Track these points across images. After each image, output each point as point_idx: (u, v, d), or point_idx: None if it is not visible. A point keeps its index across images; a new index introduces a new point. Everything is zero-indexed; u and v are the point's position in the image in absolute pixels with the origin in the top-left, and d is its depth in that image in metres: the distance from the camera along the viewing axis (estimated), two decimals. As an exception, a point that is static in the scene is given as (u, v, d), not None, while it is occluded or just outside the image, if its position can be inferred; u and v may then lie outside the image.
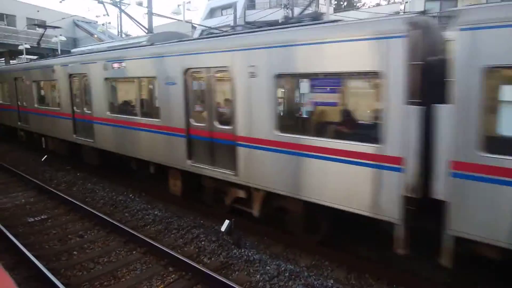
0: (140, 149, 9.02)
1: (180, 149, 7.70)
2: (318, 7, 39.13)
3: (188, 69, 7.31)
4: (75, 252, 6.50)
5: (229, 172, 6.83)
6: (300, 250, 6.39)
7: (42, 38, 17.77)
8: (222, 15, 40.34)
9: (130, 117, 9.18)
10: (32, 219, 8.05)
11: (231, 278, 5.51)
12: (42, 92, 13.94)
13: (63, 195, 9.20)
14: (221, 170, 7.02)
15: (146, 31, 12.91)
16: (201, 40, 8.04)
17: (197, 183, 7.98)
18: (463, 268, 5.07)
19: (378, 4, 46.24)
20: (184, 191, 8.45)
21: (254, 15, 36.76)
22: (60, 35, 33.34)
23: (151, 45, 8.69)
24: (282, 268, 5.77)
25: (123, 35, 32.78)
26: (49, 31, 39.28)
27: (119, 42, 11.13)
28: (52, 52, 36.48)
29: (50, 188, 9.83)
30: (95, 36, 38.72)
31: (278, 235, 6.83)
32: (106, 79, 9.72)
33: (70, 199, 8.93)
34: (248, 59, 6.22)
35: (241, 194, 7.01)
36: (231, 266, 5.92)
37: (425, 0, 24.38)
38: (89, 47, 12.35)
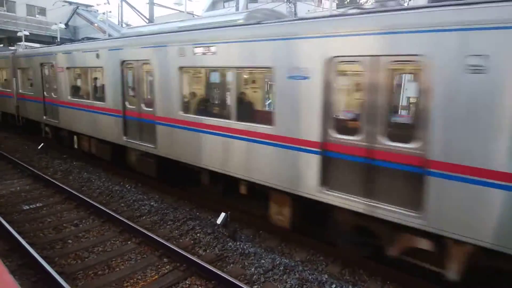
0: (234, 163, 6.74)
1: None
2: (321, 3, 38.90)
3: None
4: (69, 241, 6.48)
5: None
6: (296, 245, 6.38)
7: (41, 26, 17.66)
8: (224, 7, 40.03)
9: (221, 120, 6.92)
10: (27, 207, 8.01)
11: (226, 270, 5.50)
12: (79, 82, 11.67)
13: (59, 184, 9.16)
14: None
15: (147, 21, 12.78)
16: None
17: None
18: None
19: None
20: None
21: (256, 8, 36.51)
22: (60, 22, 33.03)
23: (264, 23, 6.47)
24: (277, 262, 5.77)
25: (124, 25, 32.51)
26: (49, 19, 38.95)
27: (198, 21, 9.36)
28: (52, 40, 36.24)
29: (46, 176, 9.79)
30: (96, 25, 38.39)
31: (274, 229, 6.82)
32: (180, 68, 7.45)
33: (66, 187, 8.89)
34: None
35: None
36: (226, 259, 5.92)
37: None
38: (148, 28, 10.15)
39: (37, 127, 14.51)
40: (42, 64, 12.74)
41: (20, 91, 14.93)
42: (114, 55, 9.19)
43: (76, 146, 11.88)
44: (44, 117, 13.04)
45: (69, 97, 11.29)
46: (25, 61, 14.37)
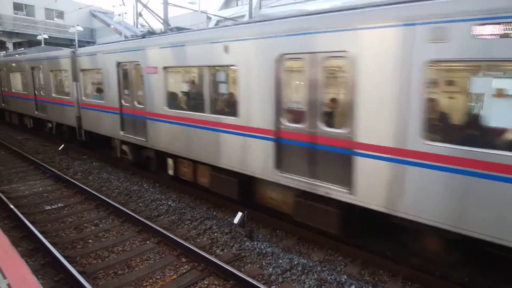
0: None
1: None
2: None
3: None
4: (90, 240, 6.61)
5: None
6: (313, 244, 6.33)
7: (59, 29, 17.74)
8: (237, 5, 40.03)
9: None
10: (49, 207, 8.21)
11: (244, 270, 5.50)
12: (184, 87, 8.87)
13: (79, 184, 9.36)
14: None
15: (162, 21, 12.87)
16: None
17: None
18: (480, 267, 4.94)
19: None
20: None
21: (270, 6, 36.37)
22: (77, 25, 33.71)
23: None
24: (295, 262, 5.73)
25: (139, 26, 32.94)
26: (66, 21, 39.81)
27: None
28: (70, 43, 37.04)
29: (67, 177, 10.01)
30: (112, 26, 39.05)
31: (291, 228, 6.78)
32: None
33: (86, 188, 9.07)
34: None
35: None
36: (244, 259, 5.91)
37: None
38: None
39: (105, 142, 11.83)
40: (119, 64, 9.93)
41: (83, 98, 12.15)
42: (262, 46, 6.30)
43: (171, 172, 9.18)
44: (122, 132, 10.28)
45: (165, 108, 8.48)
46: (91, 60, 11.43)
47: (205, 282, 5.26)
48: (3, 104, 19.39)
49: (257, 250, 6.15)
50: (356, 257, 5.84)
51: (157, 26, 20.26)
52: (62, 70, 13.25)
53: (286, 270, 5.52)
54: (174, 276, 5.41)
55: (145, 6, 13.25)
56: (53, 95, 13.97)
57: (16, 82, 17.44)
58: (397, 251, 5.80)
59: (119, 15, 35.20)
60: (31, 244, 6.33)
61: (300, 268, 5.58)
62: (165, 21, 15.55)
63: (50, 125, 15.17)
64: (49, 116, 14.69)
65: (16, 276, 3.55)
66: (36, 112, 15.54)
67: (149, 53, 8.80)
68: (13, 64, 17.69)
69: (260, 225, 7.14)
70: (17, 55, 19.10)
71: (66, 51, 13.45)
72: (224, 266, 5.34)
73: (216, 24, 36.79)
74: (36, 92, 15.35)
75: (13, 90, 17.80)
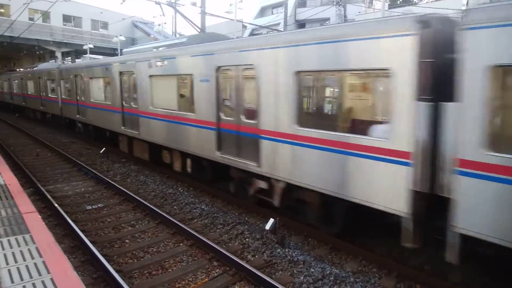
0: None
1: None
2: (372, 3, 37.69)
3: None
4: (127, 240, 6.84)
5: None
6: (346, 254, 6.18)
7: (103, 38, 18.77)
8: (272, 13, 40.36)
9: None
10: (90, 207, 8.62)
11: (275, 277, 5.46)
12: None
13: (118, 186, 9.75)
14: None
15: (199, 30, 13.24)
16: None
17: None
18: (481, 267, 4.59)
19: (437, -1, 43.35)
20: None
21: (305, 13, 36.34)
22: (120, 35, 35.35)
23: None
24: (327, 272, 5.61)
25: (177, 35, 34.02)
26: (110, 31, 41.90)
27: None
28: (113, 52, 38.93)
29: (107, 179, 10.47)
30: (152, 36, 40.62)
31: (323, 236, 6.66)
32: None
33: (124, 190, 9.43)
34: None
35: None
36: (275, 265, 5.87)
37: (492, -8, 22.48)
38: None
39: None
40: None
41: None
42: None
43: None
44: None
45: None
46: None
47: (236, 287, 5.27)
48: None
49: (289, 257, 6.09)
50: (392, 269, 5.62)
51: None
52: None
53: (318, 280, 5.41)
54: (206, 279, 5.47)
55: (183, 16, 13.67)
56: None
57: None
58: (436, 265, 5.52)
59: (159, 25, 36.63)
60: (73, 241, 6.66)
61: (332, 278, 5.45)
62: (202, 30, 15.93)
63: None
64: None
65: (59, 271, 3.74)
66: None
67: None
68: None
69: (292, 232, 7.08)
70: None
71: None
72: (256, 272, 5.32)
73: (251, 33, 37.27)
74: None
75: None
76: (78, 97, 16.77)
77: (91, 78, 15.28)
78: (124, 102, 12.53)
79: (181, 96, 9.72)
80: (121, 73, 12.40)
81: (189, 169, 9.92)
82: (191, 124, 9.12)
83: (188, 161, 9.84)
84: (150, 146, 11.51)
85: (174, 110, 9.82)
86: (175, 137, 9.86)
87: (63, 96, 18.88)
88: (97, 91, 14.89)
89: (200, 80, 8.53)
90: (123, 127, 12.69)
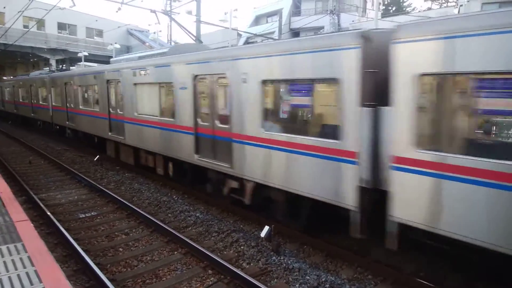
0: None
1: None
2: (366, 13, 38.18)
3: None
4: (120, 249, 6.77)
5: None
6: (342, 261, 6.16)
7: (98, 46, 18.95)
8: (267, 22, 40.67)
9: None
10: (83, 215, 8.52)
11: (270, 285, 5.43)
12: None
13: (112, 194, 9.67)
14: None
15: (194, 38, 13.31)
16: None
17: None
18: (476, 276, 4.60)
19: (429, 8, 44.12)
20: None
21: (299, 22, 36.68)
22: (115, 43, 35.36)
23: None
24: (323, 279, 5.59)
25: (172, 43, 34.11)
26: (105, 39, 41.92)
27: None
28: (108, 60, 38.88)
29: (100, 187, 10.38)
30: (147, 44, 40.68)
31: (319, 243, 6.65)
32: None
33: (118, 197, 9.35)
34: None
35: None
36: (270, 273, 5.84)
37: (482, 3, 22.95)
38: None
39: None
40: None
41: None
42: None
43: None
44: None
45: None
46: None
47: (231, 295, 5.22)
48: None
49: (284, 265, 6.06)
50: (387, 276, 5.61)
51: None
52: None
53: (313, 287, 5.39)
54: (201, 288, 5.41)
55: (179, 24, 13.74)
56: None
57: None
58: (432, 272, 5.53)
59: (154, 33, 36.69)
60: (65, 250, 6.57)
61: (328, 285, 5.43)
62: (197, 38, 16.03)
63: None
64: None
65: (51, 280, 3.69)
66: None
67: None
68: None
69: (287, 239, 7.05)
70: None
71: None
72: (251, 280, 5.29)
73: (246, 41, 37.47)
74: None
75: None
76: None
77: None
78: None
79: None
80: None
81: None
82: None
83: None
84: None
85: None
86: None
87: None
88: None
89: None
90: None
